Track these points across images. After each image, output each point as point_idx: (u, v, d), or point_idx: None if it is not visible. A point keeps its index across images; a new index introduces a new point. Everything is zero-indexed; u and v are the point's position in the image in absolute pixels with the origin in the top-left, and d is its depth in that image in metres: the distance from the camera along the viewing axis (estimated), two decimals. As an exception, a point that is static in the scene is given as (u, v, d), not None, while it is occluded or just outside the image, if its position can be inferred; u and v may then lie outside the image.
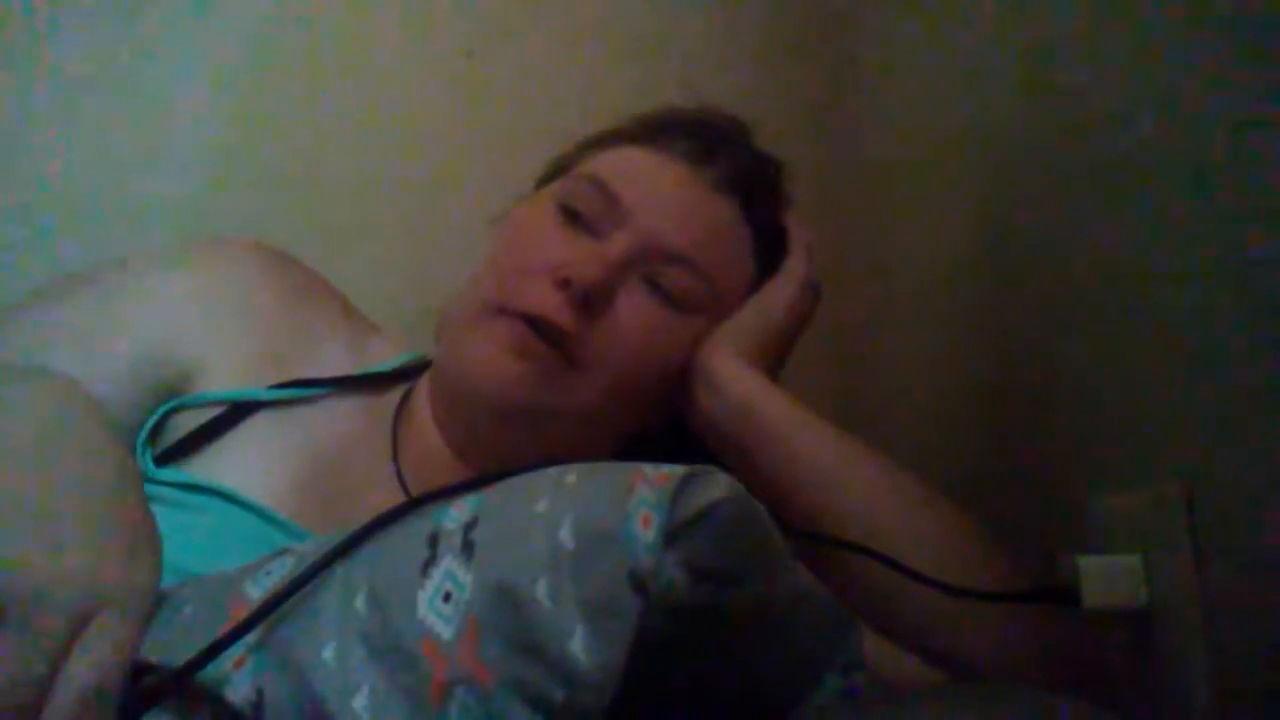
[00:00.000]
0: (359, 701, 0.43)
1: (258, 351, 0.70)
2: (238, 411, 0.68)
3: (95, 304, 0.69)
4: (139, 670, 0.44)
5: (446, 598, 0.44)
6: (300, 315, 0.74)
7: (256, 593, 0.46)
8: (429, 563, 0.45)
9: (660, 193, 0.71)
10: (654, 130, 0.75)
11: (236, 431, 0.67)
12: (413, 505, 0.49)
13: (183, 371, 0.69)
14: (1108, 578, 0.55)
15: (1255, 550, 0.50)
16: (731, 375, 0.70)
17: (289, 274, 0.75)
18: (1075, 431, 0.66)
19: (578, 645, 0.42)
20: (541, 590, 0.43)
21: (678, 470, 0.45)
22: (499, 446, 0.69)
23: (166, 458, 0.67)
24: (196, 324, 0.70)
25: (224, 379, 0.69)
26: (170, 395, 0.68)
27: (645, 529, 0.43)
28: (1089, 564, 0.56)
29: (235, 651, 0.45)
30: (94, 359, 0.66)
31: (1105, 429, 0.62)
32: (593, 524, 0.44)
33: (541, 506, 0.46)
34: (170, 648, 0.44)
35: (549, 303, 0.67)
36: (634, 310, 0.69)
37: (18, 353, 0.66)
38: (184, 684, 0.44)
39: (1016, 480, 0.75)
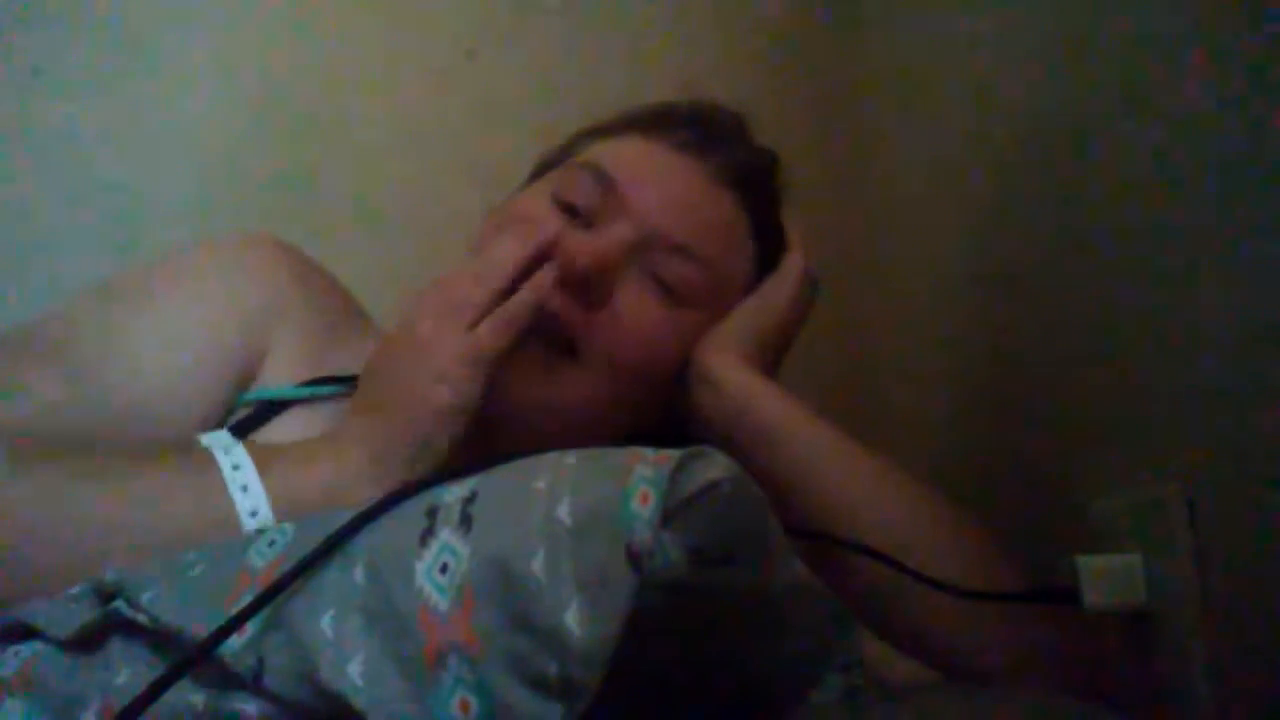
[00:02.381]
0: (354, 669, 0.44)
1: (300, 350, 0.70)
2: (272, 409, 0.68)
3: (156, 316, 0.67)
4: (161, 637, 0.46)
5: (443, 569, 0.44)
6: (325, 313, 0.74)
7: (260, 563, 0.48)
8: (427, 533, 0.46)
9: (661, 181, 0.70)
10: (652, 121, 0.74)
11: (269, 428, 0.67)
12: (409, 493, 0.49)
13: (252, 370, 0.68)
14: (1108, 578, 0.55)
15: (1255, 550, 0.50)
16: (730, 374, 0.68)
17: (312, 271, 0.76)
18: (1075, 432, 0.66)
19: (572, 619, 0.42)
20: (538, 564, 0.43)
21: (677, 452, 0.46)
22: (494, 446, 0.69)
23: None
24: (249, 322, 0.69)
25: (275, 377, 0.69)
26: (241, 392, 0.68)
27: (643, 505, 0.43)
28: (1089, 564, 0.56)
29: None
30: (177, 366, 0.65)
31: (1105, 429, 0.62)
32: (591, 501, 0.44)
33: (540, 484, 0.46)
34: (181, 606, 0.46)
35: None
36: (633, 303, 0.67)
37: (79, 367, 0.64)
38: (207, 657, 0.45)
39: (1017, 480, 0.74)
